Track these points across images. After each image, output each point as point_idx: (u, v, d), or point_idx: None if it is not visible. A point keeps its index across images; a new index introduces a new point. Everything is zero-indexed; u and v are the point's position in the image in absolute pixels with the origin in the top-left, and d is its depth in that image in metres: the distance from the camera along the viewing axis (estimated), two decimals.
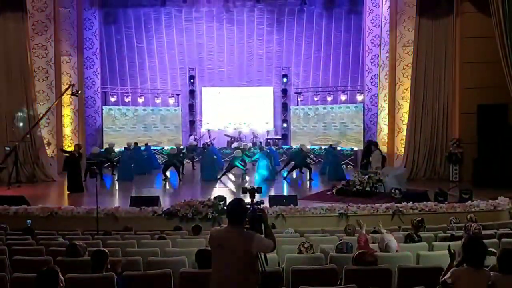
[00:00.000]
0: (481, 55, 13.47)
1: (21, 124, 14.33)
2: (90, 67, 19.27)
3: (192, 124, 22.02)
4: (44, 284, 3.24)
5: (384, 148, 16.23)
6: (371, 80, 18.94)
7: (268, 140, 21.31)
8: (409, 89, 15.43)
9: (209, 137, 20.61)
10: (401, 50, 15.97)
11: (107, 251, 4.09)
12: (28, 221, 7.76)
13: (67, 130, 17.40)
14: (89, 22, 19.24)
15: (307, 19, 21.83)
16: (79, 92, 15.45)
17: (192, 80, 21.97)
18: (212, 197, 9.30)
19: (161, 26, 21.69)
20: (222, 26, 22.01)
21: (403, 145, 15.51)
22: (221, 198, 9.08)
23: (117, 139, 18.87)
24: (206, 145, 18.74)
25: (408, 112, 15.27)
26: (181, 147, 17.06)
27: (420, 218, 7.31)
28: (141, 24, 21.54)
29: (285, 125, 21.91)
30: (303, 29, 21.86)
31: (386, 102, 17.02)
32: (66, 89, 14.78)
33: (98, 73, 19.67)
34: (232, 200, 3.56)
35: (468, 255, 3.42)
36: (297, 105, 21.68)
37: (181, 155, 15.90)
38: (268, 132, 21.91)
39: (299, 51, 22.05)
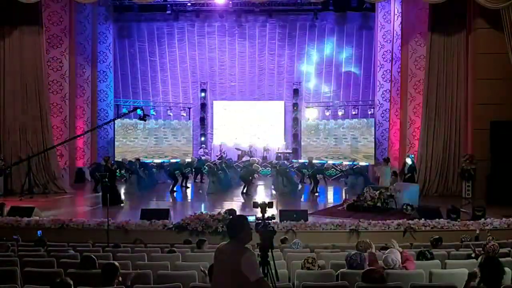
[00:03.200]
0: (494, 71, 13.41)
1: None
2: (104, 81, 19.51)
3: (203, 137, 22.18)
4: None
5: (395, 163, 16.19)
6: (383, 95, 18.86)
7: (279, 154, 21.36)
8: (420, 104, 15.37)
9: (220, 150, 20.76)
10: (413, 66, 15.90)
11: (117, 264, 4.09)
12: (38, 231, 7.80)
13: (80, 142, 17.58)
14: (104, 36, 19.52)
15: (318, 34, 21.94)
16: (148, 116, 15.12)
17: (203, 94, 22.19)
18: (222, 211, 9.29)
19: (173, 40, 22.01)
20: (234, 40, 22.24)
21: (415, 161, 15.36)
22: (232, 211, 9.05)
23: (128, 151, 19.27)
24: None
25: (420, 128, 15.20)
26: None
27: (437, 237, 7.27)
28: (154, 38, 21.88)
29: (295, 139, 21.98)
30: (314, 44, 21.98)
31: (398, 117, 16.96)
32: (131, 111, 14.54)
33: (111, 86, 19.91)
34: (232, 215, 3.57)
35: (485, 276, 3.38)
36: (308, 119, 21.66)
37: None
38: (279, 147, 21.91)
39: (310, 66, 22.15)
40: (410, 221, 9.10)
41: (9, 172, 14.10)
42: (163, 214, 9.43)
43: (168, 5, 19.95)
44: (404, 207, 10.95)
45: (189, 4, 20.07)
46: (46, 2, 15.27)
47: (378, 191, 11.45)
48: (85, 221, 9.16)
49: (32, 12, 14.37)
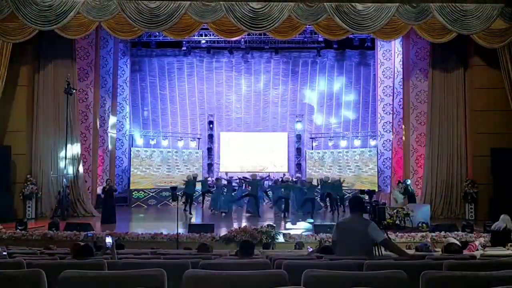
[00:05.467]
0: (490, 104, 14.87)
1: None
2: (120, 112, 20.48)
3: (210, 167, 23.10)
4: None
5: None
6: (384, 127, 20.25)
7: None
8: (422, 134, 16.72)
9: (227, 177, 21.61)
10: (414, 99, 17.23)
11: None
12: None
13: (99, 170, 18.34)
14: (121, 70, 20.61)
15: (319, 70, 23.51)
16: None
17: (211, 125, 23.28)
18: (264, 225, 10.23)
19: (183, 75, 23.25)
20: (240, 75, 23.63)
21: (418, 186, 16.56)
22: (272, 226, 10.00)
23: (143, 179, 20.13)
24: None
25: (423, 156, 16.46)
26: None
27: (451, 242, 8.27)
28: (164, 72, 23.07)
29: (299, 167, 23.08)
30: (316, 79, 23.55)
31: (400, 146, 18.20)
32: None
33: (127, 117, 20.91)
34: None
35: None
36: (312, 149, 22.86)
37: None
38: (284, 174, 22.76)
39: (312, 99, 23.61)
40: (432, 233, 10.16)
41: (40, 196, 14.80)
42: (209, 228, 10.34)
43: (184, 42, 21.15)
44: (420, 224, 11.99)
45: (203, 41, 21.32)
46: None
47: (396, 210, 12.53)
48: (140, 234, 9.99)
49: (66, 46, 15.41)
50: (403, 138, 17.81)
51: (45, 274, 3.32)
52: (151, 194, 20.11)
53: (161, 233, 10.21)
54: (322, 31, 14.82)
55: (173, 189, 10.90)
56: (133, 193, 19.77)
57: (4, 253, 6.01)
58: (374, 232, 4.41)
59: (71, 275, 3.37)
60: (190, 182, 17.28)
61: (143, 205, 19.64)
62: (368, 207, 4.64)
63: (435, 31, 14.29)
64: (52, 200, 15.10)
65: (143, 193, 19.89)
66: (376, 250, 4.58)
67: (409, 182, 15.90)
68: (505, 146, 14.19)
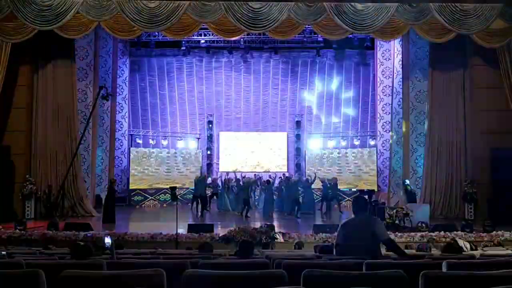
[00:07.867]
0: (491, 104, 14.88)
1: None
2: (119, 112, 20.46)
3: (210, 167, 23.08)
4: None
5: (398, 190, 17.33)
6: (383, 127, 20.27)
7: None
8: (422, 134, 16.71)
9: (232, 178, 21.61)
10: (414, 99, 17.20)
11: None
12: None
13: (98, 170, 18.32)
14: (121, 70, 20.61)
15: (319, 70, 23.46)
16: (111, 95, 16.38)
17: (210, 125, 23.27)
18: (264, 225, 10.24)
19: (182, 75, 23.18)
20: (239, 75, 23.56)
21: (417, 186, 16.55)
22: (272, 227, 10.00)
23: (142, 179, 20.14)
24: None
25: (422, 156, 16.45)
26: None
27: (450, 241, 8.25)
28: (164, 72, 23.00)
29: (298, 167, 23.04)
30: (315, 79, 23.49)
31: (400, 146, 18.16)
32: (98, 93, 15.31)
33: (126, 117, 20.90)
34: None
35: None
36: (311, 149, 22.84)
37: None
38: (283, 174, 22.77)
39: (311, 99, 23.55)
40: (432, 233, 10.16)
41: (39, 196, 14.79)
42: (209, 227, 10.35)
43: (183, 41, 21.12)
44: (419, 224, 11.96)
45: (202, 41, 21.31)
46: None
47: (395, 210, 12.52)
48: (139, 234, 9.99)
49: (65, 46, 15.39)
50: (403, 138, 17.76)
51: (44, 274, 3.30)
52: (151, 191, 20.14)
53: (161, 233, 10.23)
54: (321, 31, 14.84)
55: (173, 189, 10.88)
56: (132, 193, 19.78)
57: (3, 253, 6.00)
58: (380, 230, 4.43)
59: (71, 275, 3.36)
60: (199, 183, 17.39)
61: (143, 204, 19.66)
62: (368, 207, 4.57)
63: (434, 31, 14.31)
64: (51, 200, 15.05)
65: (142, 192, 19.91)
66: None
67: (407, 182, 15.88)
68: (505, 146, 14.18)
